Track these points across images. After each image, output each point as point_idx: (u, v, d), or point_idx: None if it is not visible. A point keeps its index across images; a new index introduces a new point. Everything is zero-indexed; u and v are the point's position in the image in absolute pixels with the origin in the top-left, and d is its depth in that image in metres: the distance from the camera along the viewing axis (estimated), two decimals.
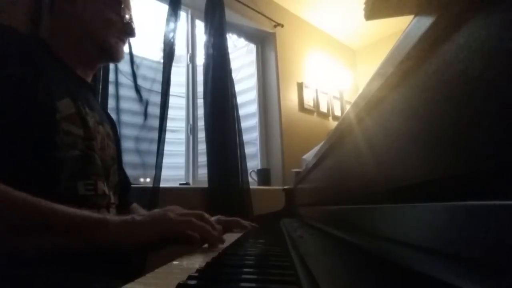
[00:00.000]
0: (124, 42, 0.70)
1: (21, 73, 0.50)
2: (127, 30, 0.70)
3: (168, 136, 1.45)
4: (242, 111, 1.90)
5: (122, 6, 0.68)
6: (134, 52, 1.43)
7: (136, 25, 0.72)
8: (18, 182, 0.46)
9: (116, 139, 0.77)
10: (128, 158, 1.40)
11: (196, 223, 0.49)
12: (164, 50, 1.51)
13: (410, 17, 0.18)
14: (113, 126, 0.79)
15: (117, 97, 1.37)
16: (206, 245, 0.53)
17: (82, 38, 0.64)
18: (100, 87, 1.25)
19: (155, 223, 0.47)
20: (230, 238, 0.64)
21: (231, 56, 1.85)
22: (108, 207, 0.59)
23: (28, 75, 0.50)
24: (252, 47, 2.37)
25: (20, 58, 0.51)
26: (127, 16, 0.69)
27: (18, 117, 0.48)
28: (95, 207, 0.56)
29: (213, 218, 0.85)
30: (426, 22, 0.16)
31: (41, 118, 0.51)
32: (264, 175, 2.03)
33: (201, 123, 1.75)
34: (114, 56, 0.68)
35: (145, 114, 1.45)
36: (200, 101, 1.77)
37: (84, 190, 0.54)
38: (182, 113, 1.82)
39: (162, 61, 1.51)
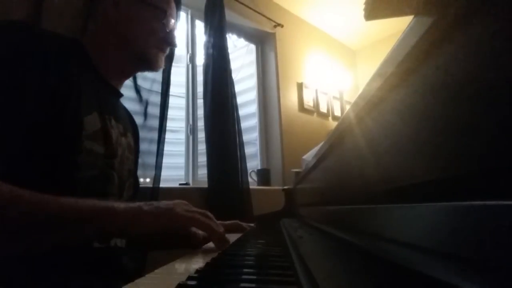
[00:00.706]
0: (164, 52, 0.68)
1: (55, 85, 0.48)
2: (169, 40, 0.67)
3: (168, 136, 1.45)
4: (242, 111, 1.90)
5: (167, 15, 0.66)
6: None
7: (177, 34, 0.69)
8: None
9: (136, 147, 0.76)
10: None
11: (201, 220, 0.48)
12: None
13: (410, 17, 0.18)
14: (135, 131, 0.78)
15: None
16: (206, 245, 0.53)
17: (122, 44, 0.62)
18: None
19: (160, 214, 0.47)
20: (230, 238, 0.63)
21: (231, 56, 1.85)
22: None
23: (61, 88, 0.48)
24: (252, 47, 2.37)
25: (57, 66, 0.49)
26: (170, 26, 0.67)
27: (44, 134, 0.46)
28: None
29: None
30: (426, 22, 0.16)
31: (66, 137, 0.49)
32: (264, 175, 2.03)
33: (201, 123, 1.75)
34: (153, 66, 0.66)
35: (145, 114, 1.45)
36: (200, 101, 1.77)
37: None
38: (182, 113, 1.82)
39: None
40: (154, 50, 0.65)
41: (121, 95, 0.69)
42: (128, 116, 0.77)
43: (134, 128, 0.78)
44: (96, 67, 0.60)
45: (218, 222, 0.83)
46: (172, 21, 0.68)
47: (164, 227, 0.47)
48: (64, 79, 0.49)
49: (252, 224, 0.91)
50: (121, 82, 0.68)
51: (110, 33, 0.61)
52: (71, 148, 0.49)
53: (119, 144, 0.61)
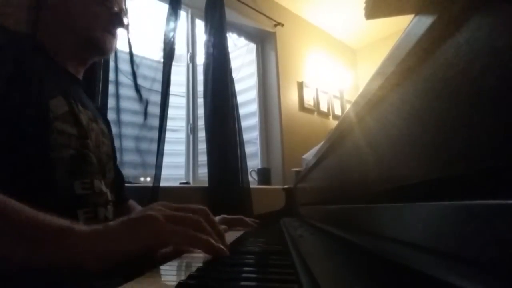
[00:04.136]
0: (112, 34, 0.67)
1: (11, 73, 0.49)
2: (115, 21, 0.66)
3: (168, 135, 1.45)
4: (242, 111, 1.90)
5: None
6: (134, 51, 1.43)
7: (128, 15, 0.68)
8: (12, 184, 0.45)
9: (110, 136, 0.77)
10: (128, 157, 1.40)
11: (195, 237, 0.37)
12: (164, 50, 1.51)
13: (411, 16, 0.18)
14: (106, 122, 0.79)
15: (117, 97, 1.37)
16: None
17: (68, 32, 0.62)
18: (100, 86, 1.25)
19: (137, 230, 0.35)
20: (230, 237, 0.64)
21: (231, 56, 1.85)
22: (106, 205, 0.59)
23: (19, 75, 0.50)
24: (252, 46, 2.37)
25: (10, 57, 0.50)
26: (114, 7, 0.67)
27: (10, 118, 0.47)
28: (93, 206, 0.55)
29: (216, 218, 0.85)
30: (426, 21, 0.16)
31: (34, 119, 0.49)
32: (264, 175, 2.03)
33: (201, 123, 1.75)
34: (102, 49, 0.66)
35: (145, 114, 1.45)
36: (200, 101, 1.77)
37: (81, 190, 0.54)
38: (182, 113, 1.82)
39: (162, 60, 1.51)
40: (99, 33, 0.64)
41: (81, 82, 0.70)
42: (97, 108, 0.78)
43: (105, 119, 0.79)
44: (53, 57, 0.61)
45: (222, 216, 0.84)
46: (117, 2, 0.67)
47: (143, 248, 0.35)
48: (20, 68, 0.50)
49: (257, 220, 0.91)
50: (79, 71, 0.69)
51: (55, 21, 0.62)
52: (40, 129, 0.50)
53: (90, 128, 0.62)
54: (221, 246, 0.38)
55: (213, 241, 0.38)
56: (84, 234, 0.35)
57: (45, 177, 0.50)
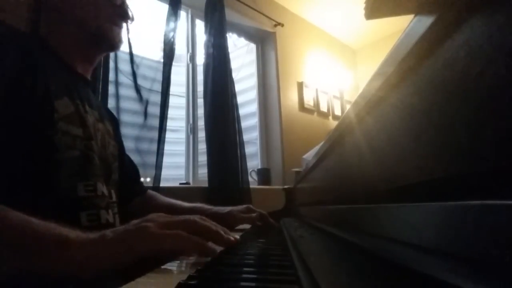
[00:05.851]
0: (119, 27, 0.67)
1: (18, 73, 0.49)
2: (120, 13, 0.66)
3: (168, 135, 1.45)
4: (242, 111, 1.90)
5: None
6: (134, 51, 1.43)
7: (131, 8, 0.68)
8: (15, 185, 0.46)
9: (117, 135, 0.77)
10: None
11: (186, 237, 0.38)
12: (164, 50, 1.51)
13: (411, 16, 0.18)
14: (114, 121, 0.79)
15: (117, 97, 1.37)
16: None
17: (75, 29, 0.62)
18: (100, 86, 1.25)
19: (131, 241, 0.37)
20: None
21: (231, 56, 1.85)
22: (107, 208, 0.58)
23: (26, 75, 0.50)
24: (252, 46, 2.37)
25: (18, 57, 0.50)
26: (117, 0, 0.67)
27: (15, 118, 0.47)
28: (96, 209, 0.55)
29: (243, 207, 0.85)
30: (426, 21, 0.16)
31: (38, 119, 0.50)
32: (264, 175, 2.03)
33: (201, 123, 1.75)
34: (111, 42, 0.65)
35: (145, 114, 1.45)
36: (200, 101, 1.77)
37: (84, 192, 0.54)
38: (182, 113, 1.82)
39: (162, 60, 1.51)
40: (107, 25, 0.64)
41: (90, 82, 0.70)
42: (103, 106, 0.78)
43: (112, 118, 0.78)
44: (61, 56, 0.61)
45: (248, 205, 0.84)
46: None
47: (139, 254, 0.36)
48: (28, 67, 0.50)
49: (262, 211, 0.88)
50: (88, 70, 0.68)
51: (59, 17, 0.62)
52: (45, 129, 0.50)
53: (96, 129, 0.62)
54: (213, 248, 0.40)
55: (204, 243, 0.39)
56: (81, 245, 0.36)
57: (48, 178, 0.50)
